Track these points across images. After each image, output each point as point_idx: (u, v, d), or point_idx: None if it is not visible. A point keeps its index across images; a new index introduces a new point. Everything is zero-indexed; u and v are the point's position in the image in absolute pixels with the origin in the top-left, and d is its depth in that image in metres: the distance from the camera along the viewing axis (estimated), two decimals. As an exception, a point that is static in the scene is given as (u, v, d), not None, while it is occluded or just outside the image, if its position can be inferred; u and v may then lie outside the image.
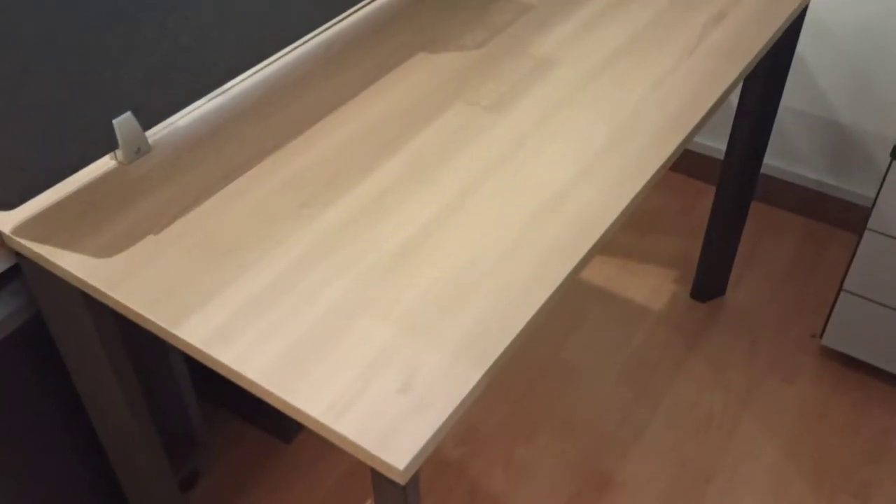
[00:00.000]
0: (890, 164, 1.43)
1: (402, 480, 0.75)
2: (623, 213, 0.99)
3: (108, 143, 1.04)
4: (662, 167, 1.06)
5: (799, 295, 1.91)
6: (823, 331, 1.69)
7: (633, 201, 1.00)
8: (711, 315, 1.87)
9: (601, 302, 1.91)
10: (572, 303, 1.90)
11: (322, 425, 0.78)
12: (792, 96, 1.96)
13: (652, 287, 1.94)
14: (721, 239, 1.80)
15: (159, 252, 0.95)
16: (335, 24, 1.36)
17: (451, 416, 0.78)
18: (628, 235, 2.07)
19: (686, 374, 1.75)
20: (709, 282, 1.89)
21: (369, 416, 0.78)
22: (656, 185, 2.21)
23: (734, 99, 2.06)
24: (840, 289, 1.61)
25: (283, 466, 1.60)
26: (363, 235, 0.97)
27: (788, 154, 2.05)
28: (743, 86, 1.59)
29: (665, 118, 1.12)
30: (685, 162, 2.22)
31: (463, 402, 0.80)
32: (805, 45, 1.87)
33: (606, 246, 2.04)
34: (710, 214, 1.79)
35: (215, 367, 0.85)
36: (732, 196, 1.73)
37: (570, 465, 1.59)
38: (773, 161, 2.08)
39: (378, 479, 0.81)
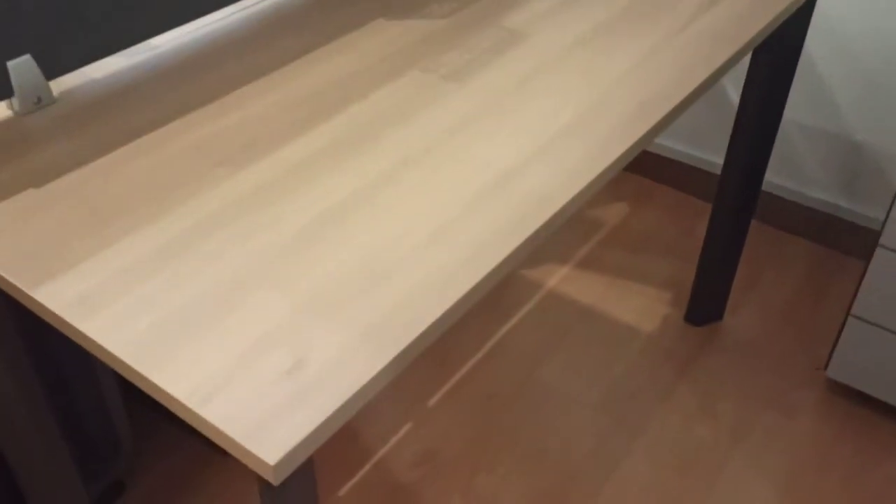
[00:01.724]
0: (905, 174, 1.28)
1: (274, 479, 0.60)
2: (574, 200, 0.84)
3: (2, 89, 0.91)
4: (629, 152, 0.91)
5: (804, 324, 1.74)
6: (829, 361, 1.52)
7: (587, 188, 0.86)
8: (706, 341, 1.71)
9: (585, 321, 1.75)
10: (553, 319, 1.75)
11: (187, 410, 0.64)
12: (799, 108, 1.82)
13: (642, 308, 1.79)
14: (718, 260, 1.64)
15: (37, 209, 0.82)
16: (292, -10, 1.23)
17: (342, 409, 0.64)
18: (619, 254, 1.92)
19: (673, 403, 1.59)
20: (705, 305, 1.73)
21: (244, 401, 0.63)
22: (652, 203, 2.07)
23: (733, 108, 1.92)
24: (847, 314, 1.45)
25: (220, 480, 1.45)
26: (275, 204, 0.83)
27: (795, 172, 1.90)
28: (743, 93, 1.45)
29: (638, 102, 0.98)
30: (683, 178, 2.08)
31: (358, 393, 0.65)
32: (814, 52, 1.74)
33: (594, 263, 1.89)
34: (706, 233, 1.64)
35: (76, 339, 0.71)
36: (730, 215, 1.58)
37: (536, 498, 1.43)
38: (778, 179, 1.93)
39: (261, 480, 0.66)
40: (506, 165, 0.88)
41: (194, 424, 0.64)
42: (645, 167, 2.14)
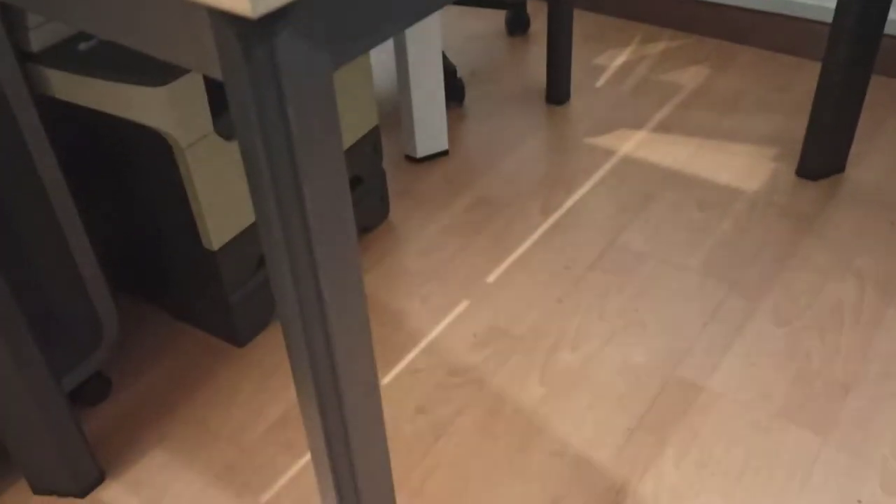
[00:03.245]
0: None
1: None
2: None
3: None
4: None
5: (947, 171, 1.40)
6: None
7: None
8: (828, 194, 1.37)
9: (672, 184, 1.43)
10: (632, 185, 1.43)
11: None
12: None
13: (742, 167, 1.45)
14: (835, 113, 1.32)
15: None
16: None
17: None
18: (704, 115, 1.59)
19: (799, 262, 1.25)
20: (822, 157, 1.39)
21: None
22: (734, 64, 1.73)
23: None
24: None
25: (232, 375, 1.15)
26: None
27: (917, 1, 1.56)
28: None
29: None
30: (767, 35, 1.74)
31: None
32: None
33: (676, 126, 1.57)
34: (818, 83, 1.31)
35: None
36: (847, 65, 1.25)
37: (639, 371, 1.10)
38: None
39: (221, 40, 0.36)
40: None
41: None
42: (722, 27, 1.81)
